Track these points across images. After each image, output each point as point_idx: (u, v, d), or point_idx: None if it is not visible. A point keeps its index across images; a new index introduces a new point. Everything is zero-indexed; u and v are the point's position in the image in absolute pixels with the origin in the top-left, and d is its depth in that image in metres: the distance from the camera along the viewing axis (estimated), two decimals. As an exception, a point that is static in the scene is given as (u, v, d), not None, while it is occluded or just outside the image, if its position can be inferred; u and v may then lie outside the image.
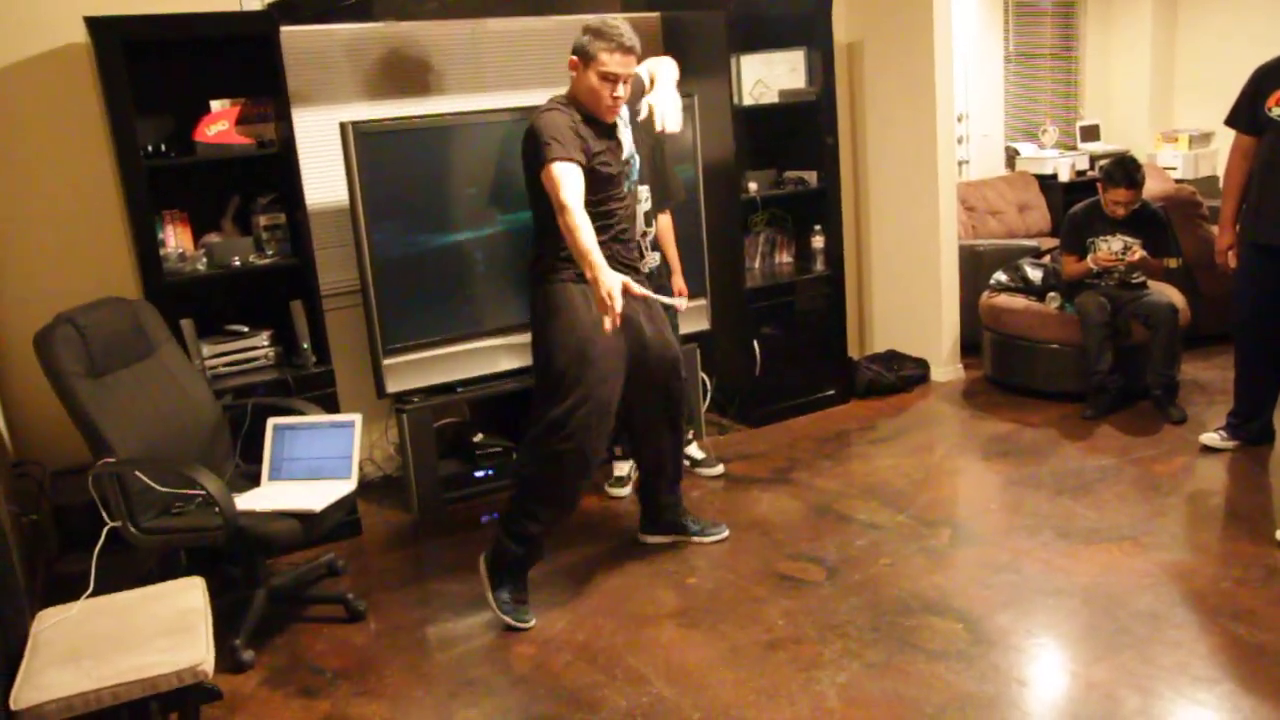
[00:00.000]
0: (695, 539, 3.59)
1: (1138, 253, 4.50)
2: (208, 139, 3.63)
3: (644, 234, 3.98)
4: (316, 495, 3.03)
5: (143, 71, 3.50)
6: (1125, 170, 4.49)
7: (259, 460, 3.25)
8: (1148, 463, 4.00)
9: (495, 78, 4.45)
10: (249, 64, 3.64)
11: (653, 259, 4.04)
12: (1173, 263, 4.55)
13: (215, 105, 3.64)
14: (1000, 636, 2.84)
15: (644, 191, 3.96)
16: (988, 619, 2.93)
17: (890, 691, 2.61)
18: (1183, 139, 6.83)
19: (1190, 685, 2.54)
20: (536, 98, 4.35)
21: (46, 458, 3.57)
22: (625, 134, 3.23)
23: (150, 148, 3.58)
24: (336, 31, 4.10)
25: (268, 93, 3.67)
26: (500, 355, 4.11)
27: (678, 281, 4.12)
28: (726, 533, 3.62)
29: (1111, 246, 4.57)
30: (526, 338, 4.14)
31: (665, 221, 4.08)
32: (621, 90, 3.05)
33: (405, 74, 4.28)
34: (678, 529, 3.61)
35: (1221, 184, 4.18)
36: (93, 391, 2.88)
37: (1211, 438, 4.08)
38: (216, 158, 3.66)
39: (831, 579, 3.26)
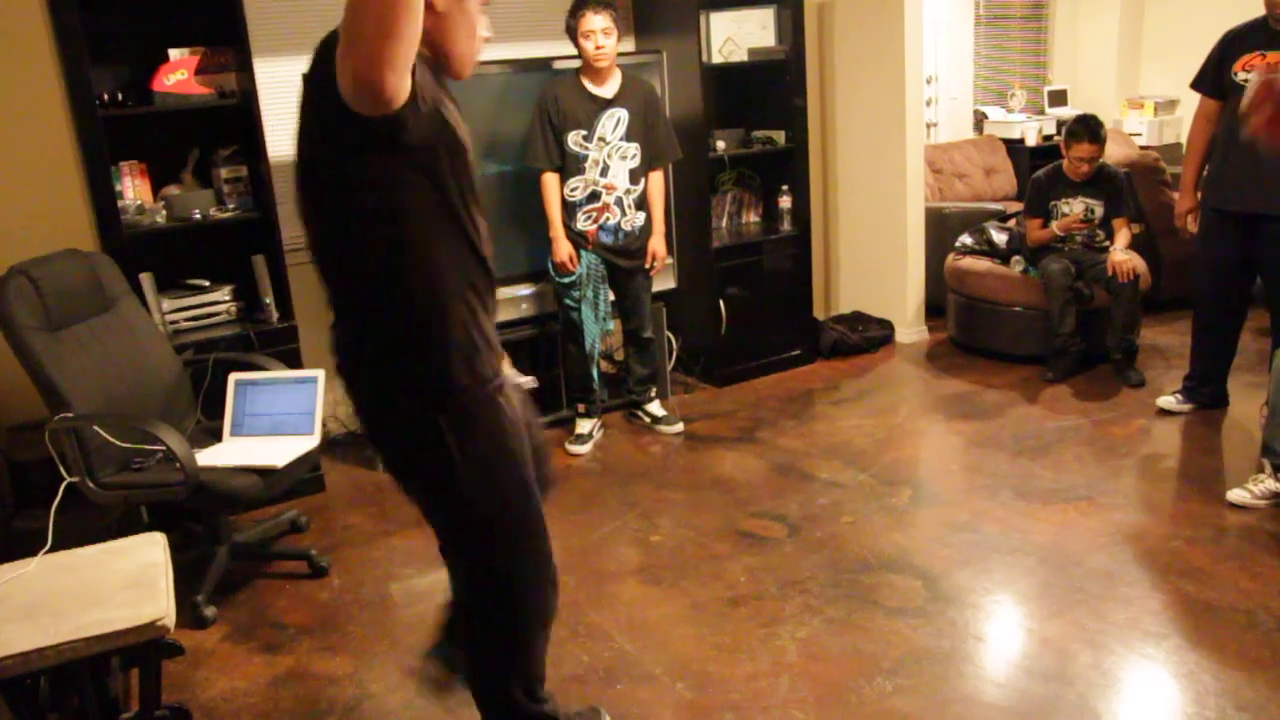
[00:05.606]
0: None
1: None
2: (166, 88, 3.55)
3: (628, 192, 3.96)
4: (279, 451, 3.02)
5: (97, 17, 3.41)
6: (1088, 126, 4.52)
7: (220, 416, 3.23)
8: (1105, 425, 4.07)
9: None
10: (209, 12, 3.55)
11: (636, 219, 4.02)
12: (1135, 228, 4.59)
13: (174, 54, 3.56)
14: (958, 594, 2.89)
15: (631, 149, 3.93)
16: (946, 577, 2.98)
17: (849, 646, 2.66)
18: (1148, 105, 6.87)
19: (1140, 640, 2.60)
20: (512, 51, 4.34)
21: (1, 413, 3.51)
22: None
23: (106, 96, 3.50)
24: (299, -20, 4.00)
25: (228, 42, 3.59)
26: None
27: (655, 243, 4.10)
28: None
29: (1073, 208, 4.62)
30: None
31: (656, 180, 4.07)
32: None
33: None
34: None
35: (1184, 149, 4.21)
36: (49, 345, 2.83)
37: (1168, 401, 4.15)
38: (175, 108, 3.58)
39: (793, 536, 3.29)
